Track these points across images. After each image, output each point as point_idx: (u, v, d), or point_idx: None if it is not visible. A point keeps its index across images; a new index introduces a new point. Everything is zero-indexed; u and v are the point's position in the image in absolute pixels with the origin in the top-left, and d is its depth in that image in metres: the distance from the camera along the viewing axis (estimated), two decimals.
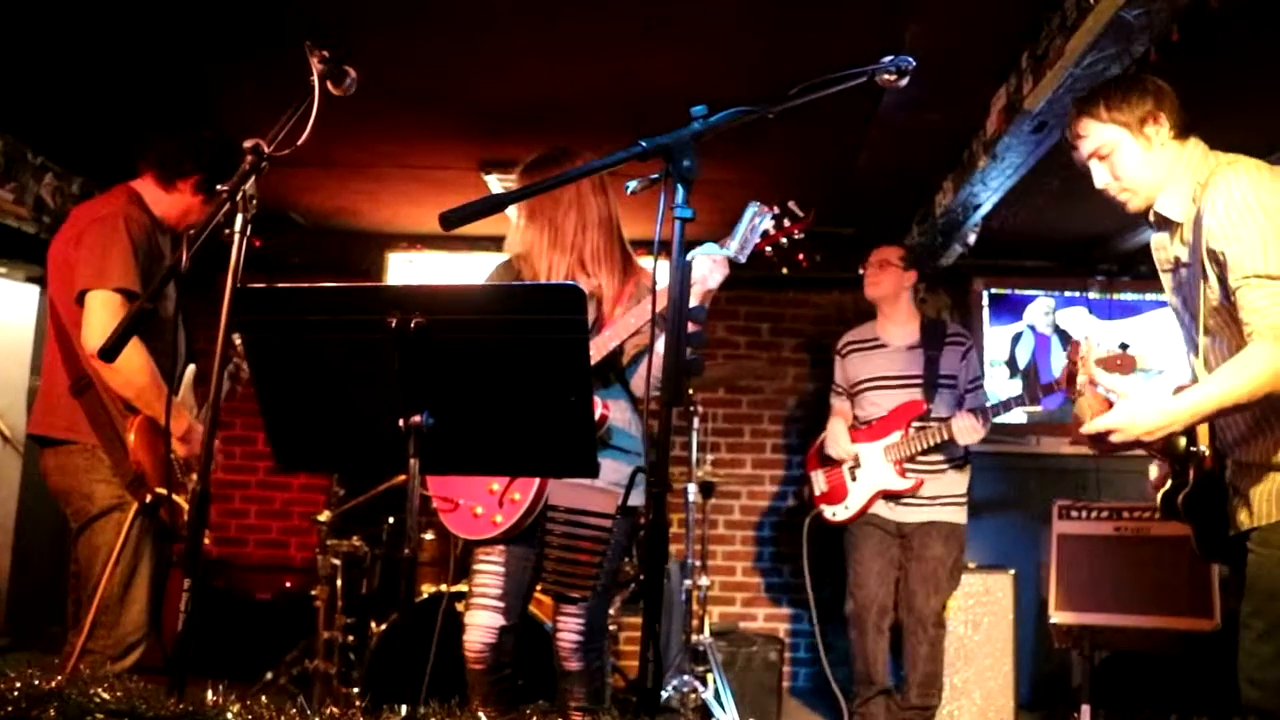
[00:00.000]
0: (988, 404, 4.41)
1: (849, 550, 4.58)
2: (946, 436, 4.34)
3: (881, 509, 4.50)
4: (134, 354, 2.96)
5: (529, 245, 3.11)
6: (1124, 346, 2.82)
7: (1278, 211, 2.34)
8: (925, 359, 4.51)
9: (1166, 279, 2.68)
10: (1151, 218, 2.63)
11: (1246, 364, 2.33)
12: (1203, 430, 2.59)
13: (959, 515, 4.49)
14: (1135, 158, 2.56)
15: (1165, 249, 2.63)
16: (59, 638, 3.19)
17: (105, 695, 1.46)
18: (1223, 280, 2.41)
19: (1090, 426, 2.48)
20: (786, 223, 2.83)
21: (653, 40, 3.63)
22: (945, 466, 4.48)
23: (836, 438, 4.63)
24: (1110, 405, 2.52)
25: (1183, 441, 2.60)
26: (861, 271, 4.70)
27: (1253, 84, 3.61)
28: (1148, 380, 5.72)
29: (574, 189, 3.07)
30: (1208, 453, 2.59)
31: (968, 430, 4.32)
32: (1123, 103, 2.56)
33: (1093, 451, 2.56)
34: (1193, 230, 2.49)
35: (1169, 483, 2.72)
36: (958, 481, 4.51)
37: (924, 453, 4.41)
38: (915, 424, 4.43)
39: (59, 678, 1.52)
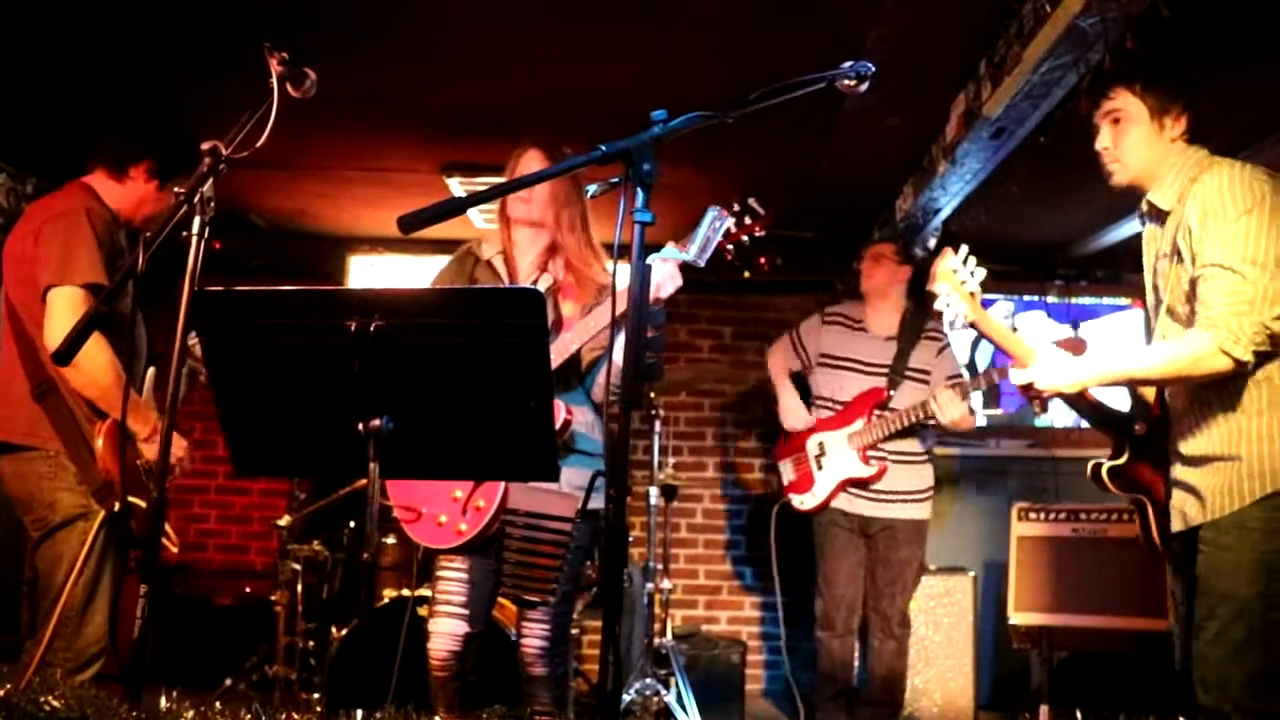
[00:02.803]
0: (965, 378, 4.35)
1: (818, 550, 4.58)
2: (923, 416, 4.30)
3: (845, 503, 4.49)
4: (98, 353, 2.87)
5: (543, 217, 3.10)
6: (1075, 325, 2.95)
7: (1247, 207, 2.42)
8: (898, 349, 4.52)
9: (1149, 270, 2.75)
10: (1144, 207, 2.70)
11: (1171, 345, 2.48)
12: (1149, 395, 2.74)
13: (923, 511, 4.50)
14: (1141, 138, 2.64)
15: (1155, 241, 2.71)
16: (12, 646, 3.10)
17: (56, 703, 1.45)
18: (1193, 263, 2.49)
19: (1014, 377, 2.73)
20: (748, 220, 2.83)
21: (613, 45, 3.64)
22: (908, 459, 4.46)
23: (792, 409, 4.67)
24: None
25: (1118, 409, 2.78)
26: (857, 266, 4.70)
27: (1203, 90, 3.66)
28: None
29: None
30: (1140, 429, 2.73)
31: (949, 402, 4.18)
32: (1157, 87, 2.64)
33: (1025, 397, 2.80)
34: (1176, 221, 2.57)
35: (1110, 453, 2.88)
36: (922, 476, 4.50)
37: (887, 439, 4.40)
38: (876, 411, 4.45)
39: (9, 685, 1.50)
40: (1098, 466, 2.86)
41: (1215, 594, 2.47)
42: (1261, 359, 2.41)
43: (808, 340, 4.75)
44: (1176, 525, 2.60)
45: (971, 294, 2.88)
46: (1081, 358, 2.64)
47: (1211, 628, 2.46)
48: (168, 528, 3.04)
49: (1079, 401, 2.80)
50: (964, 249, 2.92)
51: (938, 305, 2.93)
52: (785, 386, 4.76)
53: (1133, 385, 2.69)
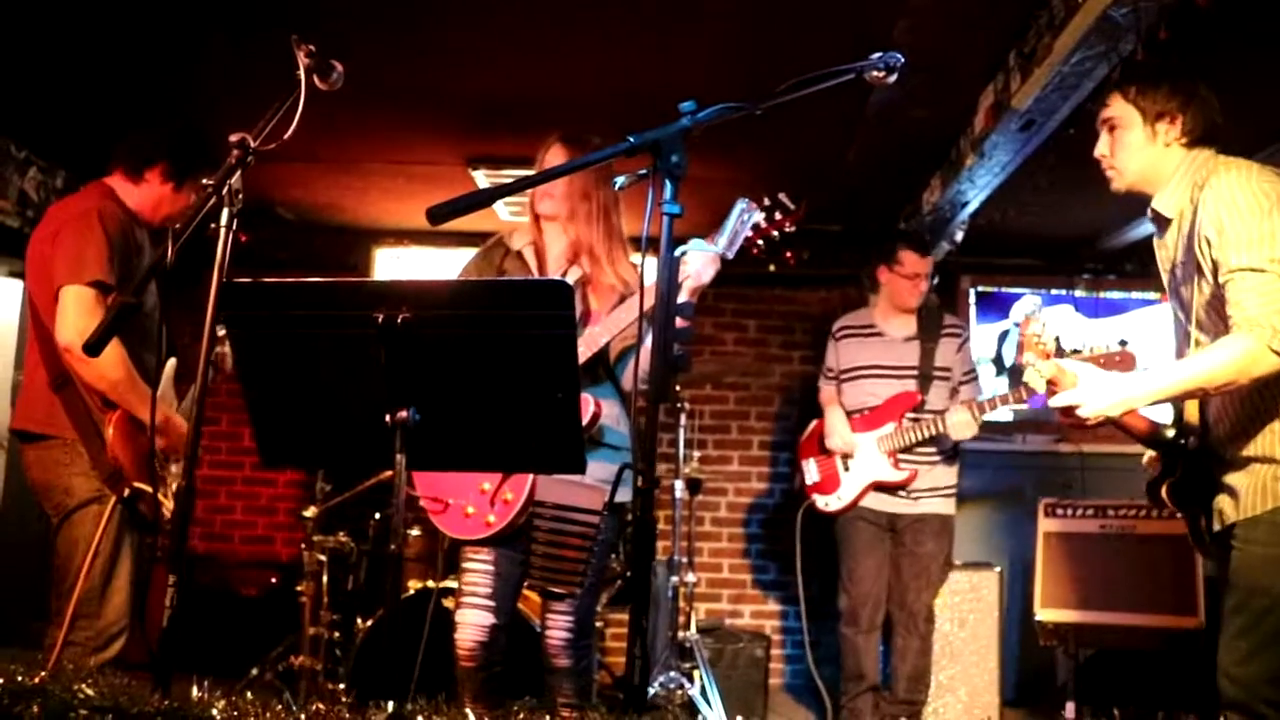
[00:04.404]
0: (982, 398, 4.37)
1: (842, 545, 4.56)
2: (941, 429, 4.32)
3: (872, 501, 4.48)
4: (109, 348, 2.92)
5: (561, 212, 3.06)
6: (1123, 343, 2.84)
7: (1262, 207, 2.37)
8: (922, 350, 4.48)
9: (1166, 279, 2.71)
10: (1150, 215, 2.67)
11: (1216, 352, 2.38)
12: (1191, 409, 2.63)
13: (949, 507, 4.50)
14: (1134, 144, 2.61)
15: (1165, 249, 2.67)
16: (41, 633, 3.16)
17: (89, 691, 1.45)
18: (1215, 274, 2.44)
19: (1054, 401, 2.55)
20: (778, 215, 2.81)
21: (640, 36, 3.63)
22: (937, 459, 4.47)
23: (838, 429, 4.58)
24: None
25: (1170, 432, 2.64)
26: (883, 276, 4.57)
27: (1240, 82, 3.62)
28: None
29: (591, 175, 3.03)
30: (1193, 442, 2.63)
31: (963, 425, 4.28)
32: (1151, 91, 2.60)
33: (1068, 427, 2.62)
34: (1187, 229, 2.53)
35: (1159, 471, 2.77)
36: (948, 473, 4.51)
37: (918, 445, 4.39)
38: (909, 415, 4.42)
39: (42, 673, 1.51)
40: (1156, 486, 2.76)
41: (1244, 589, 2.45)
42: None
43: (830, 363, 4.74)
44: (1215, 525, 2.57)
45: (1048, 353, 2.83)
46: (1125, 377, 2.51)
47: (1238, 621, 2.45)
48: (161, 496, 3.15)
49: (1126, 424, 2.68)
50: (1037, 306, 2.85)
51: (1026, 377, 2.75)
52: (832, 408, 4.67)
53: (1180, 400, 2.57)
